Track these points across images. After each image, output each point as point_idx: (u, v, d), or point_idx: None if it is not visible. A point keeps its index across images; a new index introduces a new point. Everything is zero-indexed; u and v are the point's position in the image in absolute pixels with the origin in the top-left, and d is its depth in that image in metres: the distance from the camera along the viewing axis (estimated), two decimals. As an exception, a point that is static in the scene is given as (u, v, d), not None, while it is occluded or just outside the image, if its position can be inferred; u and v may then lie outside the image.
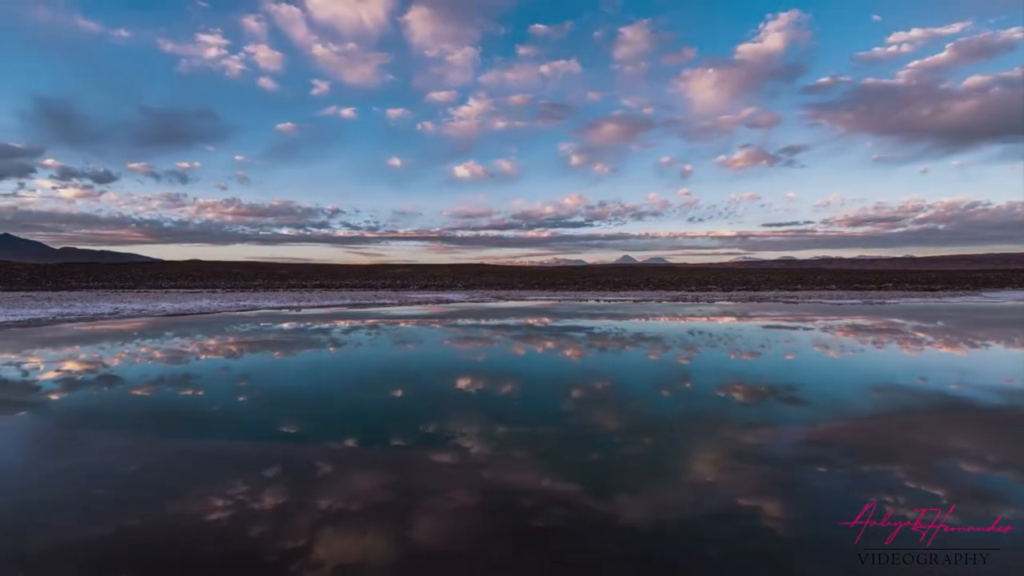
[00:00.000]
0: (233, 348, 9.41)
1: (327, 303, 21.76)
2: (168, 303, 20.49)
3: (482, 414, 5.22)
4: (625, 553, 2.65)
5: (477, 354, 8.83)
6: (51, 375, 6.92)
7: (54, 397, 5.86)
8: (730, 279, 52.10)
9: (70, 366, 7.52)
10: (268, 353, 8.80)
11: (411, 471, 3.70)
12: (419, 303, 22.16)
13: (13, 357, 8.44)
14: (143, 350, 8.99)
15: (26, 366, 7.61)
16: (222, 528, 2.87)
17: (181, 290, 33.37)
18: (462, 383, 6.67)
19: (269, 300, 23.48)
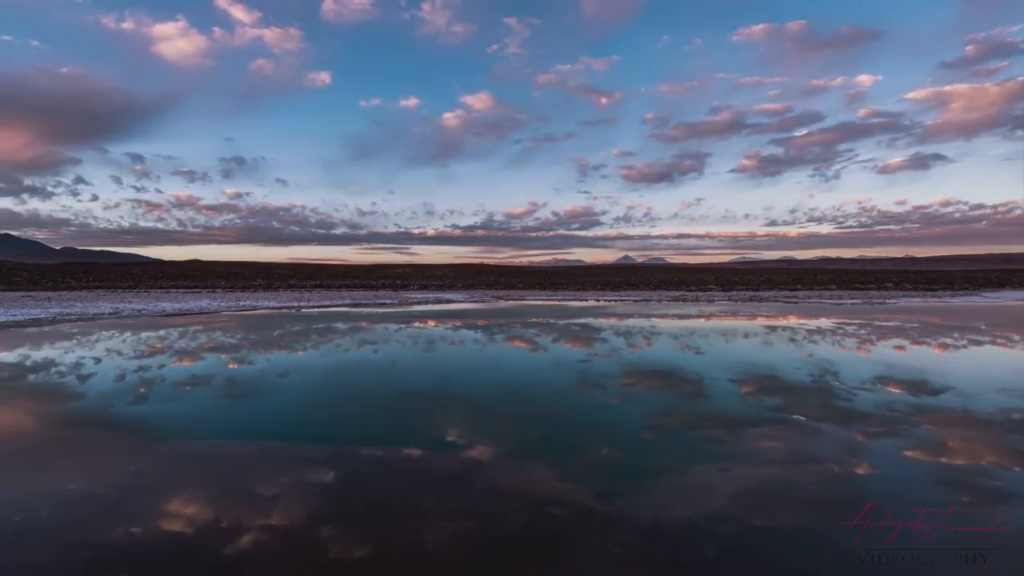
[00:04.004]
0: (233, 347, 9.41)
1: (327, 303, 21.76)
2: (168, 303, 20.49)
3: (485, 418, 5.23)
4: (617, 550, 2.65)
5: (479, 356, 8.82)
6: (51, 375, 6.92)
7: (53, 396, 5.86)
8: (730, 279, 52.08)
9: (70, 366, 7.52)
10: (268, 352, 8.79)
11: (415, 472, 3.70)
12: (419, 303, 22.16)
13: (13, 357, 8.44)
14: (143, 349, 8.99)
15: (26, 366, 7.61)
16: (222, 529, 2.87)
17: (181, 290, 33.37)
18: (462, 385, 6.68)
19: (269, 300, 23.48)
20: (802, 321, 14.41)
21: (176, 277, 56.87)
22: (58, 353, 8.77)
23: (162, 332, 11.65)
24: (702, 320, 14.85)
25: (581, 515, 3.03)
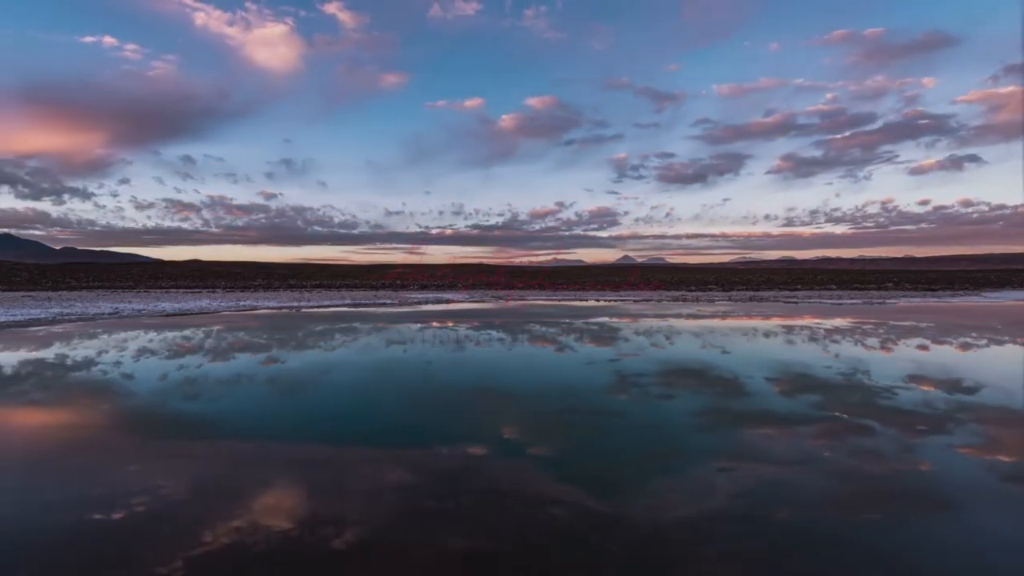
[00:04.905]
0: (233, 347, 9.43)
1: (327, 303, 21.78)
2: (168, 303, 20.50)
3: (495, 415, 5.24)
4: (616, 551, 2.66)
5: (484, 355, 8.82)
6: (50, 374, 6.94)
7: (53, 396, 5.87)
8: (730, 279, 52.09)
9: (70, 365, 7.54)
10: (269, 352, 8.81)
11: (416, 470, 3.72)
12: (419, 303, 22.17)
13: (13, 356, 8.45)
14: (143, 349, 9.00)
15: (26, 365, 7.63)
16: (224, 528, 2.89)
17: (181, 290, 33.40)
18: (467, 384, 6.68)
19: (269, 300, 23.49)
20: (808, 321, 14.42)
21: (176, 277, 56.89)
22: (59, 352, 8.78)
23: (162, 332, 11.66)
24: (705, 321, 14.85)
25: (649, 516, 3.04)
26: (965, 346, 9.64)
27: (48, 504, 3.18)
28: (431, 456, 3.99)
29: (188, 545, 2.70)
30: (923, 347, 9.43)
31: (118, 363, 7.73)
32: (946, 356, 8.62)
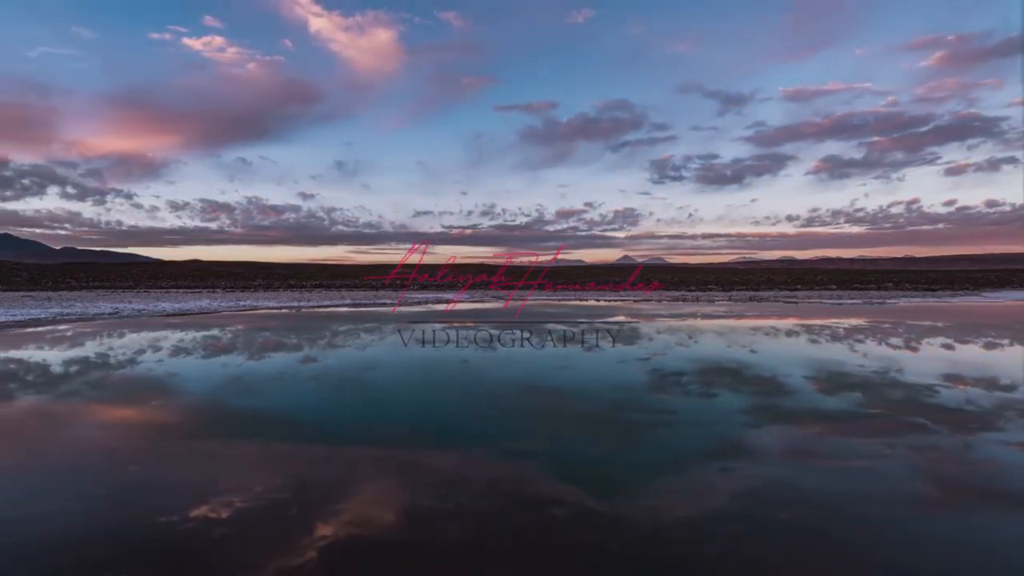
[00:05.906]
0: (234, 346, 9.41)
1: (327, 303, 21.76)
2: (168, 303, 20.48)
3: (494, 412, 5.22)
4: (619, 548, 2.64)
5: (489, 356, 8.80)
6: (50, 374, 6.92)
7: (53, 396, 5.85)
8: (730, 279, 52.08)
9: (69, 365, 7.52)
10: (270, 352, 8.79)
11: (415, 470, 3.70)
12: (420, 303, 22.15)
13: (13, 356, 8.44)
14: (143, 348, 8.99)
15: (27, 365, 7.61)
16: (227, 526, 2.87)
17: (181, 290, 33.37)
18: (467, 388, 6.67)
19: (268, 300, 23.47)
20: (813, 321, 14.41)
21: (176, 277, 56.85)
22: (59, 352, 8.76)
23: (163, 332, 11.64)
24: (717, 320, 14.84)
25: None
26: (966, 344, 9.63)
27: (50, 502, 3.16)
28: (474, 456, 3.97)
29: (185, 543, 2.68)
30: (928, 345, 9.42)
31: (119, 362, 7.71)
32: (949, 354, 8.60)
